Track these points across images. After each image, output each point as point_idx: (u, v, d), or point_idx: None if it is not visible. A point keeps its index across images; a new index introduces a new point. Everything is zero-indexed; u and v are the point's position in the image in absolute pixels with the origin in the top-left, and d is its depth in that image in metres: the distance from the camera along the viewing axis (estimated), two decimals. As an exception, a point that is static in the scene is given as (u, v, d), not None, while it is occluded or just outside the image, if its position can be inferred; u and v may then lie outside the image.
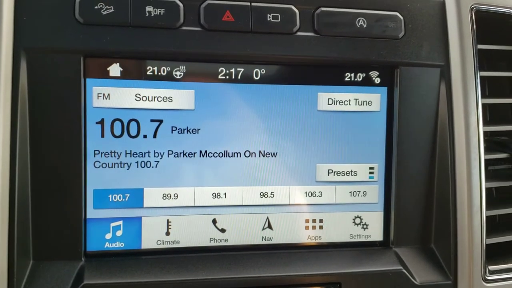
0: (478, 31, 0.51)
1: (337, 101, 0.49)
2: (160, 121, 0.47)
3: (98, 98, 0.45)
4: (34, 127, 0.43)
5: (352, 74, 0.50)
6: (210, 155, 0.48)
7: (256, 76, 0.48)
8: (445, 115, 0.50)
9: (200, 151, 0.48)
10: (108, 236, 0.47)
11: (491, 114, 0.56)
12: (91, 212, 0.46)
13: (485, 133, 0.52)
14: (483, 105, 0.51)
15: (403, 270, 0.49)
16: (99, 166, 0.46)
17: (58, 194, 0.44)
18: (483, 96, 0.51)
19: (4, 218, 0.42)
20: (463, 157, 0.50)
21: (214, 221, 0.49)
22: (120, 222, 0.47)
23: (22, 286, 0.42)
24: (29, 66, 0.43)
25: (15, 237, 0.42)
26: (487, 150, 0.52)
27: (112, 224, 0.47)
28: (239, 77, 0.48)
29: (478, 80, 0.51)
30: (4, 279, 0.42)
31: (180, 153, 0.47)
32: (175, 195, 0.47)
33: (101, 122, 0.45)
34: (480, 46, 0.52)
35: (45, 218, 0.44)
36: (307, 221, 0.50)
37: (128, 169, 0.46)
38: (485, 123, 0.52)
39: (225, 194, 0.48)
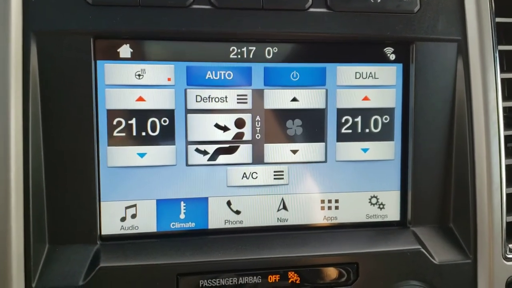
0: (496, 3, 0.50)
1: (351, 78, 0.48)
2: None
3: (109, 80, 0.45)
4: (46, 110, 0.43)
5: (367, 51, 0.49)
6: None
7: (269, 54, 0.47)
8: (463, 91, 0.49)
9: (213, 133, 0.47)
10: (123, 219, 0.46)
11: (510, 90, 0.54)
12: (106, 195, 0.46)
13: (504, 108, 0.50)
14: (502, 80, 0.50)
15: (421, 249, 0.48)
16: (113, 147, 0.45)
17: (72, 177, 0.44)
18: (501, 71, 0.50)
19: (19, 203, 0.42)
20: (482, 133, 0.49)
21: (228, 203, 0.48)
22: (135, 205, 0.46)
23: (39, 270, 0.43)
24: (39, 49, 0.43)
25: (31, 221, 0.42)
26: (507, 126, 0.50)
27: (127, 208, 0.46)
28: (251, 56, 0.47)
29: (497, 54, 0.49)
30: (21, 263, 0.42)
31: (194, 135, 0.47)
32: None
33: (113, 104, 0.45)
34: (498, 19, 0.50)
35: (60, 202, 0.44)
36: (322, 201, 0.50)
37: (141, 150, 0.46)
38: (504, 99, 0.51)
39: (239, 175, 0.48)
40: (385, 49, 0.49)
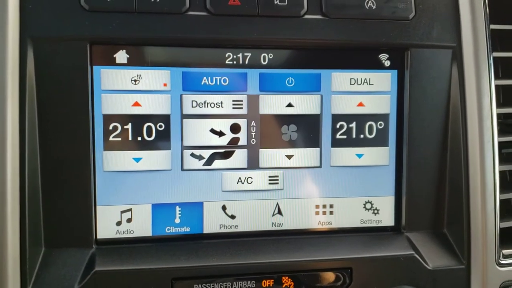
0: (490, 10, 0.50)
1: (346, 84, 0.49)
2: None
3: (105, 85, 0.45)
4: (42, 116, 0.43)
5: (361, 57, 0.49)
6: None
7: (264, 60, 0.48)
8: (457, 97, 0.49)
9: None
10: (119, 223, 0.47)
11: (505, 96, 0.54)
12: (102, 200, 0.46)
13: (498, 115, 0.50)
14: (496, 86, 0.50)
15: (415, 255, 0.48)
16: (109, 152, 0.46)
17: (68, 182, 0.44)
18: (496, 78, 0.50)
19: (15, 206, 0.42)
20: (476, 140, 0.49)
21: (223, 208, 0.48)
22: (130, 210, 0.47)
23: (34, 273, 0.43)
24: (36, 54, 0.43)
25: (27, 225, 0.43)
26: (501, 132, 0.51)
27: (122, 212, 0.47)
28: (246, 62, 0.47)
29: (491, 61, 0.50)
30: (17, 267, 0.42)
31: (189, 140, 0.47)
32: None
33: (109, 110, 0.45)
34: (493, 26, 0.50)
35: (56, 206, 0.44)
36: (317, 206, 0.50)
37: (137, 155, 0.46)
38: (498, 105, 0.51)
39: (234, 180, 0.48)
40: (380, 56, 0.49)
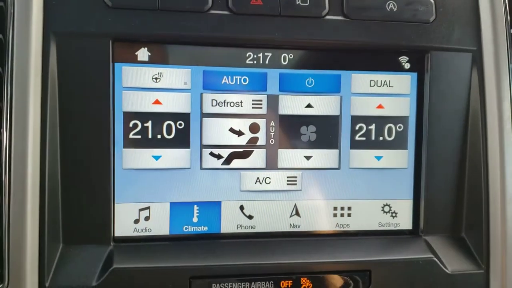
0: (511, 15, 0.50)
1: (366, 85, 0.49)
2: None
3: (126, 82, 0.45)
4: (64, 111, 0.43)
5: (381, 59, 0.49)
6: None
7: (284, 61, 0.48)
8: (477, 101, 0.49)
9: (228, 137, 0.47)
10: (137, 221, 0.46)
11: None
12: (120, 197, 0.46)
13: (518, 119, 0.50)
14: (517, 90, 0.50)
15: (433, 258, 0.48)
16: (128, 149, 0.46)
17: (87, 178, 0.44)
18: (516, 82, 0.50)
19: (35, 202, 0.42)
20: (496, 144, 0.49)
21: (241, 208, 0.48)
22: (149, 208, 0.47)
23: (52, 269, 0.43)
24: (59, 50, 0.43)
25: (46, 221, 0.42)
26: (521, 137, 0.50)
27: (141, 210, 0.46)
28: (267, 62, 0.47)
29: (511, 66, 0.50)
30: (35, 262, 0.42)
31: (209, 139, 0.47)
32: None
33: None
34: (513, 31, 0.51)
35: (75, 202, 0.44)
36: (335, 208, 0.50)
37: (156, 153, 0.46)
38: (519, 109, 0.51)
39: (252, 180, 0.48)
40: (400, 58, 0.49)
